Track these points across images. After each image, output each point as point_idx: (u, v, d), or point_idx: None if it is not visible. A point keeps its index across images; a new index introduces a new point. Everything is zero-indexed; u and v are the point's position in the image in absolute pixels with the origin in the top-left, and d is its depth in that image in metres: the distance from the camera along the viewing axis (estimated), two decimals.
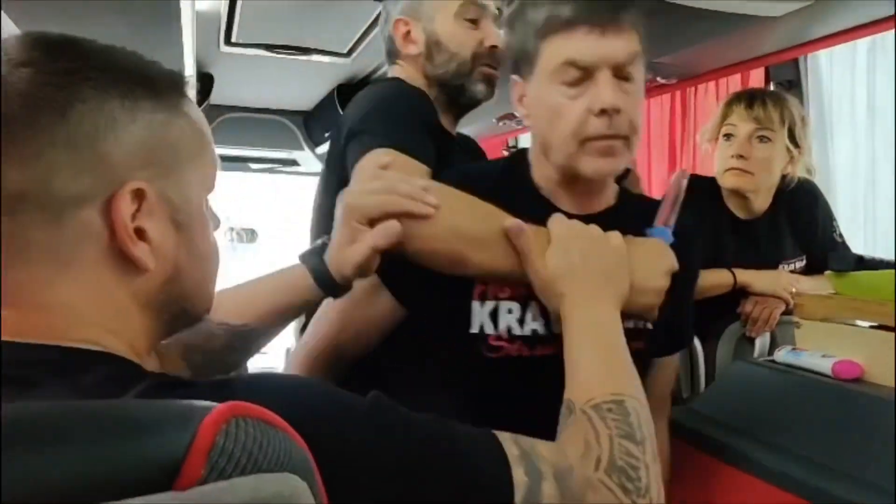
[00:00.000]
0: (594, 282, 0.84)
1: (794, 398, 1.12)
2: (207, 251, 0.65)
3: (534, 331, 0.96)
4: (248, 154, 3.93)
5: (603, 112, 0.88)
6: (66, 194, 0.54)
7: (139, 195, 0.56)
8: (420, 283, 0.95)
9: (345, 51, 2.50)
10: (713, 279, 1.62)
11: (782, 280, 1.60)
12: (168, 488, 0.39)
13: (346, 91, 3.06)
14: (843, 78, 1.79)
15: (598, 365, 0.79)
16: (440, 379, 1.02)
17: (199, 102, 2.84)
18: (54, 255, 0.55)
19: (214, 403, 0.43)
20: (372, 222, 0.87)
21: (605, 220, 0.92)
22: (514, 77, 0.98)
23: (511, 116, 2.65)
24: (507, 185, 0.99)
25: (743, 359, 1.40)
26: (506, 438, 0.65)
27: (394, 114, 1.15)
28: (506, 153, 3.38)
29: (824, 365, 1.09)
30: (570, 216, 0.91)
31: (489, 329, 0.96)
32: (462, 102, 1.31)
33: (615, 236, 0.88)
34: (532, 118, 0.97)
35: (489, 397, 0.97)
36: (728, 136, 1.63)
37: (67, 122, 0.54)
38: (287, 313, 0.95)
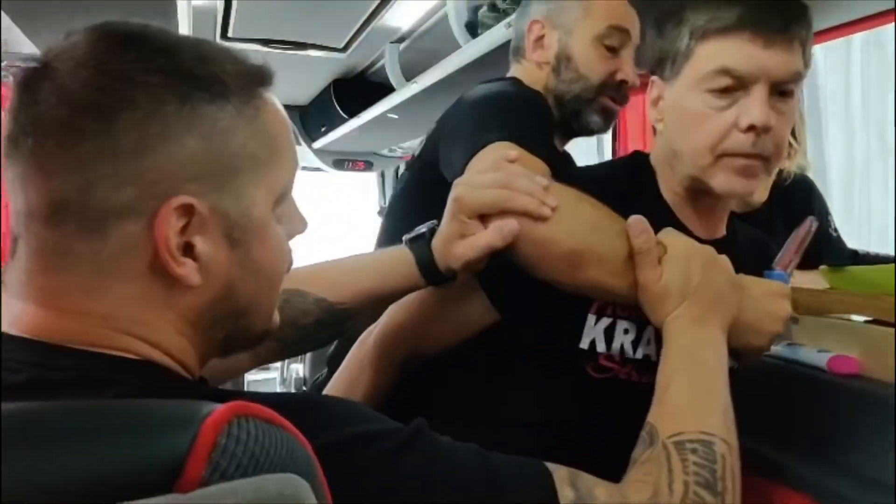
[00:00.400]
0: (706, 304, 0.78)
1: (790, 393, 1.12)
2: (269, 266, 0.61)
3: (646, 356, 0.90)
4: None
5: (751, 128, 0.81)
6: (109, 206, 0.52)
7: (188, 210, 0.53)
8: (528, 290, 0.87)
9: (341, 45, 2.50)
10: None
11: None
12: (170, 490, 0.39)
13: (342, 86, 3.06)
14: (837, 73, 1.80)
15: (692, 395, 0.73)
16: (534, 393, 0.94)
17: None
18: (96, 267, 0.53)
19: (217, 403, 0.43)
20: (483, 218, 0.82)
21: (720, 249, 0.85)
22: (654, 77, 0.92)
23: None
24: (635, 193, 0.92)
25: None
26: (562, 479, 0.61)
27: (517, 109, 1.05)
28: None
29: (820, 359, 1.10)
30: (699, 240, 0.86)
31: (601, 347, 0.89)
32: (573, 127, 1.24)
33: (725, 259, 0.82)
34: (666, 123, 0.90)
35: (584, 417, 0.91)
36: None
37: (113, 130, 0.51)
38: (387, 297, 0.93)
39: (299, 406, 0.51)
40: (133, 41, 0.54)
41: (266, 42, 2.45)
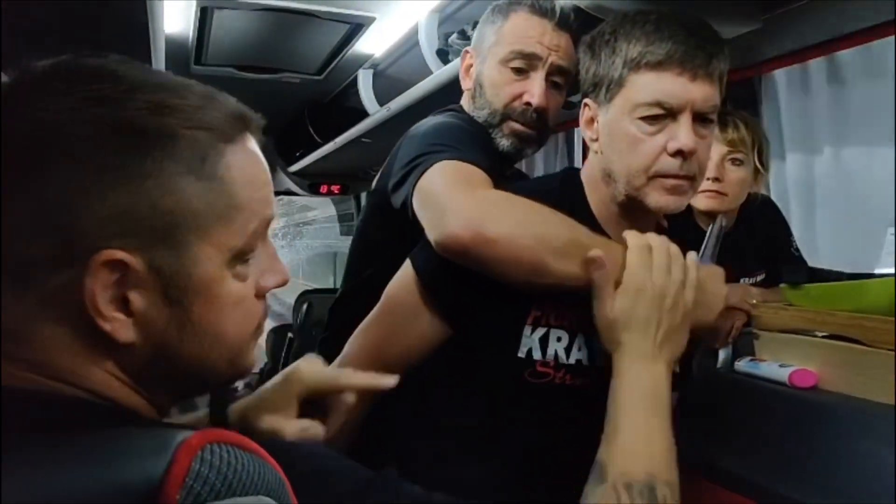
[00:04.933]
0: (653, 339, 0.84)
1: (753, 407, 1.15)
2: (216, 328, 0.57)
3: (578, 360, 0.97)
4: None
5: (678, 153, 0.89)
6: (30, 257, 0.50)
7: (120, 265, 0.51)
8: (473, 304, 0.94)
9: (314, 70, 2.52)
10: None
11: (743, 293, 1.64)
12: None
13: (316, 111, 3.09)
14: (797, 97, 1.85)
15: (640, 435, 0.79)
16: (477, 401, 1.00)
17: None
18: (22, 314, 0.52)
19: (191, 431, 0.44)
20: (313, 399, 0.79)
21: None
22: (587, 100, 0.98)
23: None
24: (566, 207, 0.97)
25: (705, 369, 1.44)
26: None
27: (454, 134, 1.11)
28: None
29: (781, 374, 1.13)
30: None
31: (537, 355, 0.96)
32: None
33: (686, 293, 0.87)
34: (602, 144, 0.96)
35: (526, 423, 0.98)
36: None
37: (39, 182, 0.50)
38: None
39: (271, 446, 0.51)
40: (86, 82, 0.52)
41: (240, 67, 2.47)
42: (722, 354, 1.60)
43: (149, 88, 0.53)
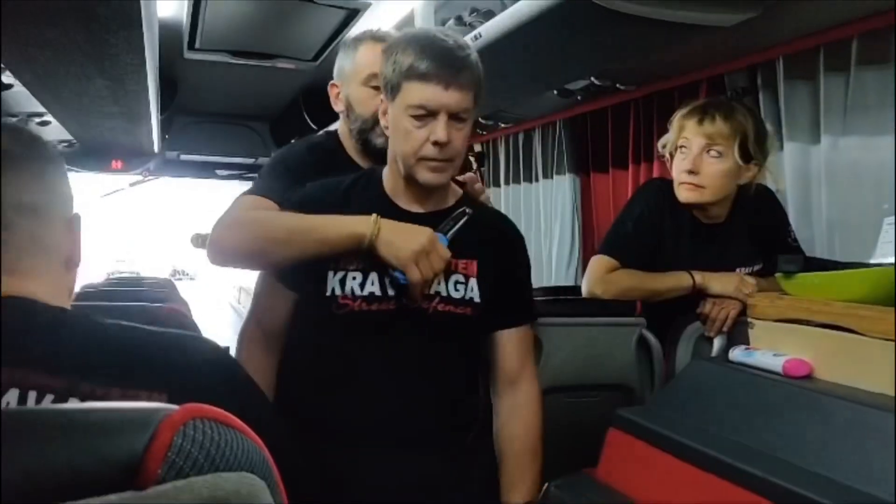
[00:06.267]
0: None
1: (746, 396, 1.15)
2: None
3: (371, 292, 1.28)
4: (215, 161, 3.92)
5: (436, 143, 1.21)
6: None
7: None
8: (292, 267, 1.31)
9: (310, 56, 2.51)
10: (673, 281, 1.66)
11: (739, 282, 1.64)
12: (128, 488, 0.40)
13: (312, 96, 3.07)
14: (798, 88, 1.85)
15: None
16: (310, 335, 1.34)
17: (163, 110, 2.82)
18: None
19: (174, 406, 0.45)
20: None
21: (435, 218, 1.30)
22: (382, 96, 1.28)
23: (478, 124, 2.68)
24: (358, 188, 1.35)
25: (700, 358, 1.44)
26: None
27: (275, 168, 1.55)
28: (472, 158, 3.41)
29: (775, 363, 1.13)
30: (407, 213, 1.30)
31: (338, 291, 1.28)
32: (369, 151, 1.56)
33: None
34: (390, 132, 1.28)
35: (342, 346, 1.29)
36: (683, 148, 1.66)
37: None
38: None
39: None
40: None
41: (234, 53, 2.45)
42: (717, 343, 1.61)
43: None
